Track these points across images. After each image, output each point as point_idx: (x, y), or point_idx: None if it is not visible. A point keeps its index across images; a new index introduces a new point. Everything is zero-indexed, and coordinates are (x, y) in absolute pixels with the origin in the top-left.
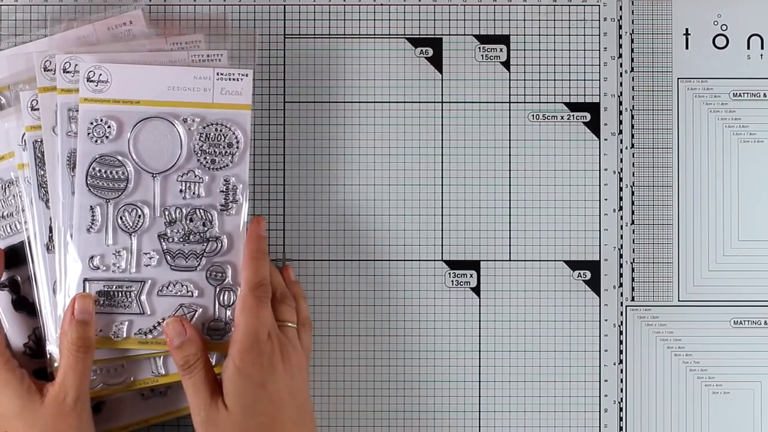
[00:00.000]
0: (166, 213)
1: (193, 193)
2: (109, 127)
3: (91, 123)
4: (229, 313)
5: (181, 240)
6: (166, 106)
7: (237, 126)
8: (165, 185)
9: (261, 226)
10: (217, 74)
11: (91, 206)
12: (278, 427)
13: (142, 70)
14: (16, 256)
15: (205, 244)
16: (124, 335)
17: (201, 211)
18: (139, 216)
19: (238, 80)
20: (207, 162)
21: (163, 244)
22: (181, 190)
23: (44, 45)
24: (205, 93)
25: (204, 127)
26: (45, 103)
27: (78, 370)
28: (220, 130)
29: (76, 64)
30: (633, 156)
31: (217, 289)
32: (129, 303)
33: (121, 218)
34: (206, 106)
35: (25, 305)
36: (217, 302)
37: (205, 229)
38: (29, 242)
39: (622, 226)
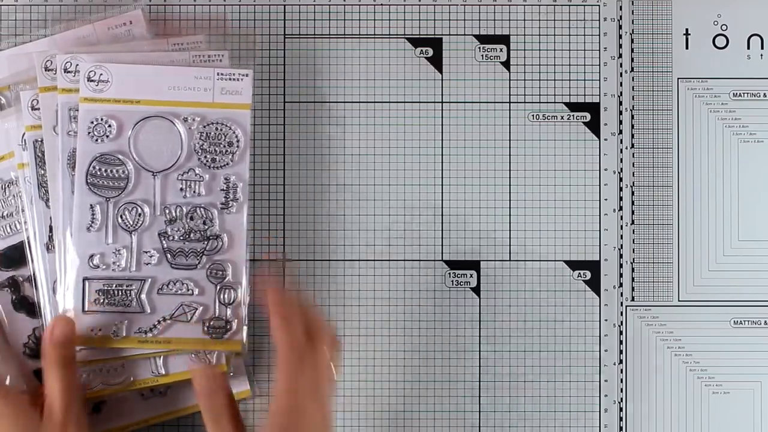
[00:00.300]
0: (167, 211)
1: (194, 192)
2: (109, 126)
3: (92, 122)
4: (229, 311)
5: (181, 238)
6: (166, 106)
7: (237, 125)
8: (165, 184)
9: (281, 292)
10: (218, 74)
11: (91, 205)
12: None
13: (142, 69)
14: (17, 256)
15: (206, 242)
16: (124, 334)
17: (201, 209)
18: (140, 214)
19: (238, 80)
20: (207, 161)
21: (164, 242)
22: (181, 189)
23: (44, 45)
24: (205, 93)
25: (204, 126)
26: (46, 103)
27: (63, 384)
28: (221, 129)
29: (77, 64)
30: (633, 156)
31: (218, 288)
32: (129, 302)
33: (121, 217)
34: (206, 105)
35: (25, 305)
36: (217, 300)
37: (206, 227)
38: (29, 242)
39: (622, 226)
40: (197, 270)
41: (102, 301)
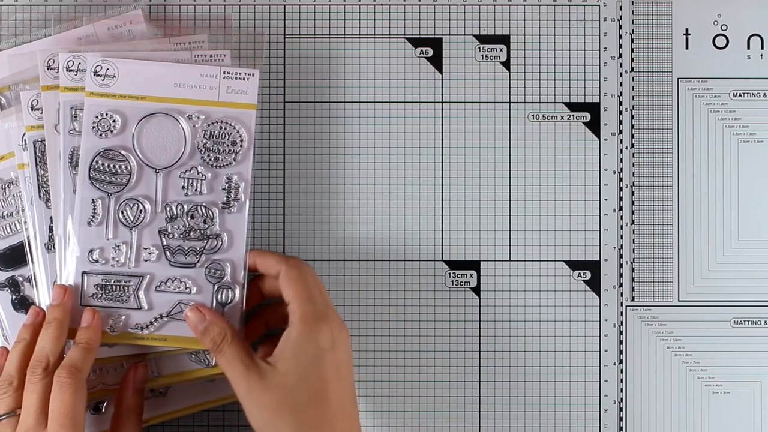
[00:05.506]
0: (168, 209)
1: (195, 190)
2: (114, 121)
3: (96, 117)
4: (226, 311)
5: (181, 236)
6: (171, 103)
7: (241, 125)
8: (167, 181)
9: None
10: (224, 73)
11: (92, 199)
12: (331, 398)
13: (149, 66)
14: (17, 256)
15: (205, 241)
16: (120, 330)
17: (202, 208)
18: (141, 211)
19: (244, 80)
20: (210, 159)
21: (163, 239)
22: (183, 187)
23: (44, 45)
24: (211, 91)
25: (209, 125)
26: (47, 102)
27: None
28: (225, 128)
29: (80, 63)
30: (633, 156)
31: (216, 287)
32: (126, 298)
33: (122, 212)
34: (212, 104)
35: (25, 305)
36: (215, 300)
37: (206, 226)
38: (29, 242)
39: (622, 226)
40: (196, 268)
41: (99, 296)
